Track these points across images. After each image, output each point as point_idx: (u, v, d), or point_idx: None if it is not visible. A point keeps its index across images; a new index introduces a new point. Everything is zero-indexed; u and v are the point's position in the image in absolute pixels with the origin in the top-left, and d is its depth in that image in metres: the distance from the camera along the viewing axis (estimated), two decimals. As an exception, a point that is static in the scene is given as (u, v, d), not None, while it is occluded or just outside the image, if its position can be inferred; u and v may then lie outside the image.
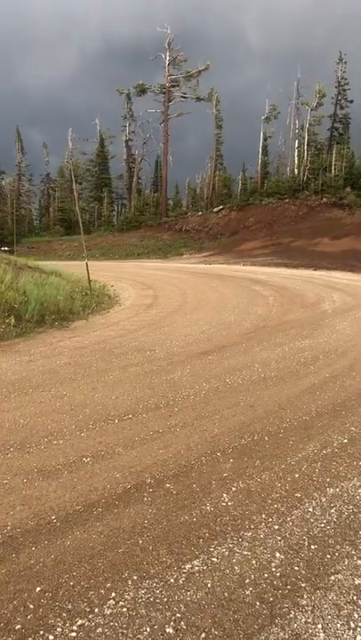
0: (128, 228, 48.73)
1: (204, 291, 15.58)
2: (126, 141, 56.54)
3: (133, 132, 55.43)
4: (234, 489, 3.47)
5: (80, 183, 57.88)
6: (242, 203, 44.37)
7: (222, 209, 44.94)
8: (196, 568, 2.66)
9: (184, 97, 48.93)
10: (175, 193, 59.12)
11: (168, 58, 47.93)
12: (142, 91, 49.96)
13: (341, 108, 44.70)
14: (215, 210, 45.44)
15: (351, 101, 44.41)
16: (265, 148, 48.53)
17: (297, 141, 45.14)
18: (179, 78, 48.62)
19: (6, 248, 31.06)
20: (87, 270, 14.20)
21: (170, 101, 48.75)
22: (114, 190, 60.53)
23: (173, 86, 48.74)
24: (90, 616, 2.35)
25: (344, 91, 44.10)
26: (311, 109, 43.28)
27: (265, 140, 48.19)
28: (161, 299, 13.81)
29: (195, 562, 2.71)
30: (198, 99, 48.67)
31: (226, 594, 2.47)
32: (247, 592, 2.48)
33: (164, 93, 48.97)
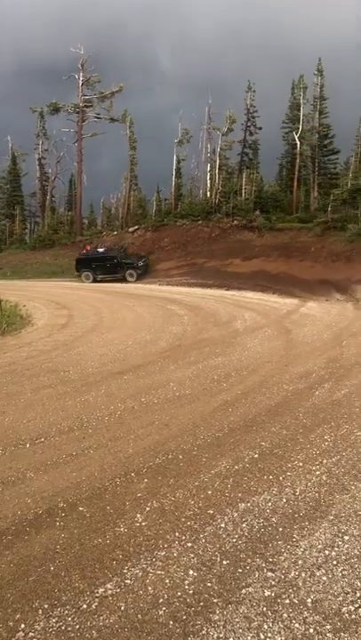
0: (42, 247, 47.73)
1: (120, 310, 15.54)
2: (39, 159, 55.64)
3: (47, 150, 54.66)
4: (148, 509, 3.47)
5: (-10, 200, 56.15)
6: (157, 223, 44.83)
7: (137, 229, 45.15)
8: (110, 591, 2.63)
9: (98, 117, 49.04)
10: (90, 212, 58.66)
11: (82, 78, 47.94)
12: (56, 109, 49.50)
13: (251, 134, 46.49)
14: (130, 230, 45.56)
15: (260, 128, 46.35)
16: (178, 170, 49.42)
17: (209, 165, 46.38)
18: (92, 99, 48.75)
19: None
20: (-2, 290, 13.75)
21: (84, 121, 48.65)
22: (26, 208, 59.15)
23: (87, 106, 48.71)
24: (-3, 650, 2.25)
25: (253, 118, 45.93)
26: (222, 134, 44.66)
27: (178, 162, 49.09)
28: (76, 318, 13.61)
29: (108, 585, 2.67)
30: (112, 120, 48.95)
31: (139, 616, 2.46)
32: (160, 612, 2.48)
33: (77, 113, 48.84)
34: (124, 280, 30.85)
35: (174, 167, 48.69)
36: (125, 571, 2.79)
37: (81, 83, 47.95)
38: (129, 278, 31.45)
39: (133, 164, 51.06)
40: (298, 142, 40.76)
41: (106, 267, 31.80)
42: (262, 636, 2.35)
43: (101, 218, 57.79)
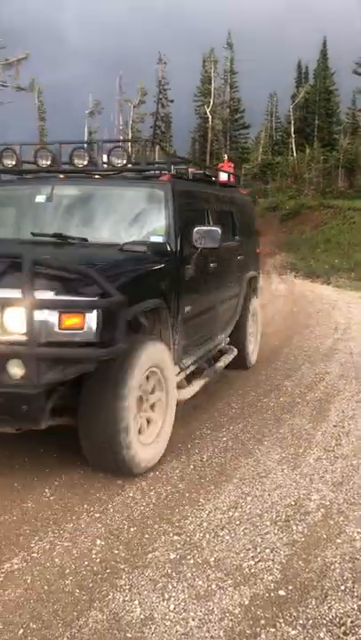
0: None
1: None
2: None
3: None
4: (57, 483, 3.48)
5: None
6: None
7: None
8: (16, 566, 2.62)
9: (4, 85, 46.77)
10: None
11: (-16, 43, 45.37)
12: None
13: (163, 106, 46.19)
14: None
15: (172, 101, 46.10)
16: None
17: (121, 137, 45.70)
18: (-3, 65, 46.35)
19: None
20: None
21: (-12, 88, 46.25)
22: None
23: (-9, 73, 46.32)
24: None
25: (165, 90, 45.60)
26: (134, 106, 44.06)
27: (90, 134, 47.99)
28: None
29: (14, 560, 2.67)
30: (19, 88, 46.84)
31: (46, 587, 2.48)
32: (67, 582, 2.52)
33: (-19, 79, 46.31)
34: None
35: (85, 139, 47.51)
36: (33, 545, 2.80)
37: (-17, 47, 45.40)
38: None
39: (43, 135, 49.32)
40: (210, 116, 40.88)
41: None
42: (166, 596, 2.44)
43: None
